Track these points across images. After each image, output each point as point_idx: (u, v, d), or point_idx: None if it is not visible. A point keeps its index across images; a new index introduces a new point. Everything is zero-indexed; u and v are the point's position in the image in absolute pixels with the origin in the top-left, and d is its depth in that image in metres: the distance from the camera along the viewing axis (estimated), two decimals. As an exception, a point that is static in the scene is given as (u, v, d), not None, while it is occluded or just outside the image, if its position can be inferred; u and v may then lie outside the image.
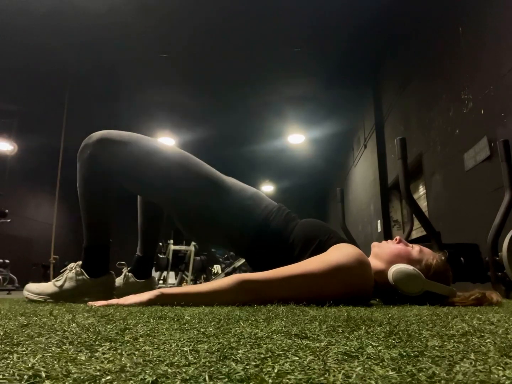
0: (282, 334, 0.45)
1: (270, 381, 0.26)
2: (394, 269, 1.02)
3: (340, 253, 0.97)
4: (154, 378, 0.26)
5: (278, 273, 0.93)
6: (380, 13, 4.66)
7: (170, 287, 3.24)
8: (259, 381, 0.26)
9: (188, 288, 0.96)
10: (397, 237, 1.12)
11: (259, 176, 11.14)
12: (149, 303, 0.89)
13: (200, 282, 5.93)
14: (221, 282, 0.92)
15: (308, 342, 0.40)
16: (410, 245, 1.11)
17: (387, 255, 1.07)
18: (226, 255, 6.96)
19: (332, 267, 0.93)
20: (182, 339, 0.42)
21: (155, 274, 5.80)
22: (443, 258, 1.08)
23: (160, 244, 5.99)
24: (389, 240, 1.14)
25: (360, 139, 6.86)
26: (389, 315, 0.68)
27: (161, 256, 5.81)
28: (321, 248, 1.05)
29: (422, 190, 4.45)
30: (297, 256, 1.07)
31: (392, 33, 4.96)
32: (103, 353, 0.34)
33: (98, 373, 0.27)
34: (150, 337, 0.43)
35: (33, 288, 1.19)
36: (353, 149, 7.53)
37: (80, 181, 1.20)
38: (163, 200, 1.27)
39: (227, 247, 1.34)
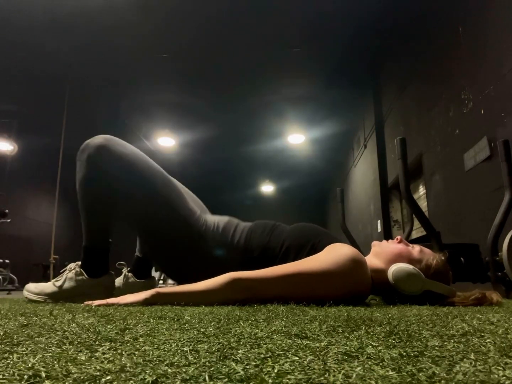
0: (282, 334, 0.45)
1: (270, 381, 0.26)
2: (394, 268, 1.02)
3: (335, 253, 0.98)
4: (154, 378, 0.26)
5: (272, 272, 0.94)
6: (380, 12, 4.66)
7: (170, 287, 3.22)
8: (259, 381, 0.26)
9: (184, 287, 0.96)
10: (398, 237, 1.13)
11: (259, 176, 11.14)
12: (145, 302, 0.90)
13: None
14: (215, 281, 0.92)
15: (308, 342, 0.40)
16: (411, 245, 1.11)
17: (387, 254, 1.07)
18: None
19: (327, 266, 0.93)
20: (182, 339, 0.42)
21: (155, 274, 5.79)
22: (443, 258, 1.08)
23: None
24: (389, 240, 1.14)
25: (360, 139, 6.86)
26: (389, 315, 0.68)
27: (161, 256, 5.80)
28: (315, 251, 1.05)
29: (422, 190, 4.45)
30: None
31: (392, 32, 4.96)
32: (103, 353, 0.34)
33: (98, 373, 0.27)
34: (150, 337, 0.43)
35: (33, 288, 1.19)
36: (353, 149, 7.53)
37: (78, 181, 1.20)
38: (140, 229, 1.26)
39: None
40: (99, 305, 0.91)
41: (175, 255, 1.19)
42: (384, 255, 1.08)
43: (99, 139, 1.18)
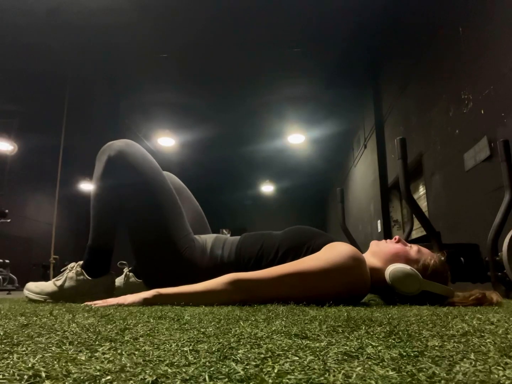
0: (282, 334, 0.45)
1: (270, 381, 0.26)
2: (391, 269, 1.02)
3: (334, 251, 0.97)
4: (154, 378, 0.26)
5: (272, 272, 0.94)
6: (380, 12, 4.66)
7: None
8: (259, 381, 0.26)
9: (184, 287, 0.96)
10: (396, 237, 1.12)
11: (259, 176, 11.14)
12: (146, 302, 0.90)
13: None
14: (215, 282, 0.92)
15: (308, 342, 0.40)
16: (409, 245, 1.11)
17: (385, 254, 1.07)
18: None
19: (327, 265, 0.93)
20: (182, 339, 0.42)
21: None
22: (441, 258, 1.08)
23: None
24: (388, 240, 1.14)
25: (360, 139, 6.86)
26: (389, 315, 0.68)
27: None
28: (312, 252, 1.04)
29: (422, 190, 4.45)
30: None
31: (392, 32, 4.96)
32: (103, 353, 0.34)
33: (98, 373, 0.27)
34: (150, 337, 0.43)
35: (33, 287, 1.19)
36: (353, 149, 7.53)
37: (96, 181, 1.22)
38: (131, 239, 1.25)
39: None
40: (99, 306, 0.91)
41: (162, 278, 1.16)
42: (382, 254, 1.08)
43: (121, 143, 1.21)
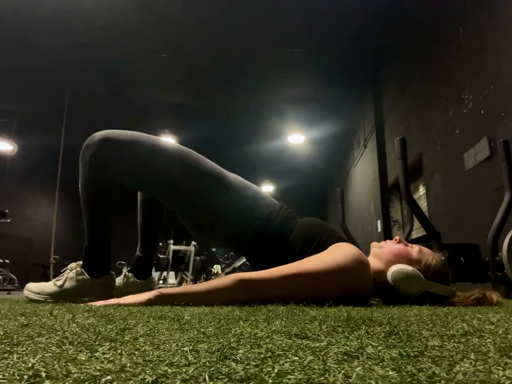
0: (282, 334, 0.45)
1: (270, 381, 0.26)
2: (393, 269, 1.02)
3: (338, 253, 0.97)
4: (154, 378, 0.26)
5: (275, 272, 0.93)
6: (380, 12, 4.66)
7: (170, 287, 3.24)
8: (259, 381, 0.26)
9: (187, 288, 0.96)
10: (397, 237, 1.12)
11: (259, 176, 11.14)
12: (148, 303, 0.89)
13: (200, 282, 5.87)
14: (219, 282, 0.92)
15: (308, 342, 0.40)
16: (410, 245, 1.11)
17: (386, 255, 1.07)
18: (226, 255, 6.96)
19: (330, 267, 0.93)
20: (182, 339, 0.42)
21: (155, 274, 5.80)
22: (443, 258, 1.08)
23: (160, 244, 5.99)
24: (388, 240, 1.14)
25: (360, 139, 6.86)
26: (389, 315, 0.68)
27: (161, 256, 5.82)
28: (321, 247, 1.05)
29: (422, 190, 4.45)
30: (298, 255, 1.07)
31: (392, 32, 4.96)
32: (103, 353, 0.34)
33: (98, 373, 0.27)
34: (150, 337, 0.43)
35: (33, 288, 1.19)
36: (353, 149, 7.53)
37: (82, 181, 1.20)
38: (167, 197, 1.29)
39: (229, 245, 1.35)
40: (99, 306, 0.91)
41: (205, 211, 1.21)
42: (383, 256, 1.07)
43: (99, 135, 1.18)
